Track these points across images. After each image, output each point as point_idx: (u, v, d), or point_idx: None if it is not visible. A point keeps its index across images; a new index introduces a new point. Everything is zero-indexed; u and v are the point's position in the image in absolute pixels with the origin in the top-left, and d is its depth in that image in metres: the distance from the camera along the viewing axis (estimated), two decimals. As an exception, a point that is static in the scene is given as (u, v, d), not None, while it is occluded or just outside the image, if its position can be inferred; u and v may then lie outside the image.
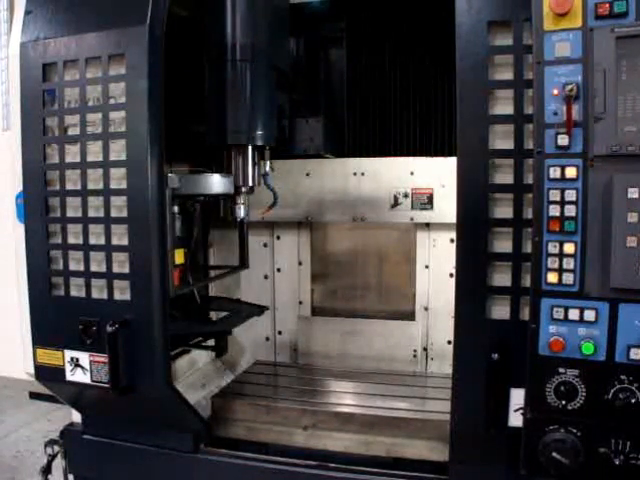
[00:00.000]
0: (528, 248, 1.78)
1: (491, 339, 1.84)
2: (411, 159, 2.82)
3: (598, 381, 1.68)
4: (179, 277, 2.51)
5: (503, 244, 1.85)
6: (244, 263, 2.95)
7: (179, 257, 2.52)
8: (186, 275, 2.59)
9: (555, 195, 1.68)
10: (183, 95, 2.54)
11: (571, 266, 1.68)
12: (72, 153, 2.19)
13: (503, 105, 1.81)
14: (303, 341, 3.10)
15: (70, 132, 2.19)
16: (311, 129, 2.85)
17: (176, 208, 2.40)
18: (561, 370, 1.71)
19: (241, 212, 2.65)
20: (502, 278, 1.86)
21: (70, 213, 2.21)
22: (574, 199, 1.66)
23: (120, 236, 2.13)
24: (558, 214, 1.68)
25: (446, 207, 2.70)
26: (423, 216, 2.81)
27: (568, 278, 1.68)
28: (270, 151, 2.69)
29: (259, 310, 2.94)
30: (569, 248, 1.67)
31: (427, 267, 2.91)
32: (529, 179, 1.77)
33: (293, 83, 2.83)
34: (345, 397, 2.63)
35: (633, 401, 1.63)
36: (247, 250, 2.94)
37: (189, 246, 2.66)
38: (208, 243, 3.12)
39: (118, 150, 2.10)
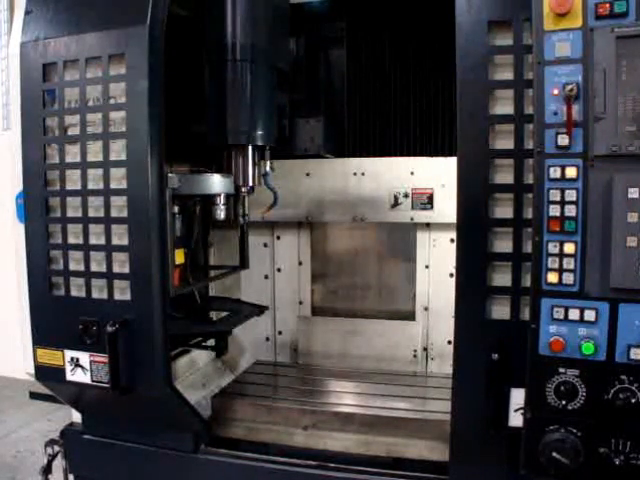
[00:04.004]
0: (528, 248, 1.78)
1: (491, 339, 1.84)
2: (411, 159, 2.82)
3: (598, 381, 1.68)
4: (179, 277, 2.51)
5: (503, 244, 1.85)
6: (244, 264, 2.95)
7: (179, 257, 2.51)
8: (186, 275, 2.58)
9: (555, 195, 1.68)
10: (183, 95, 2.54)
11: (571, 266, 1.68)
12: (72, 153, 2.19)
13: (503, 105, 1.81)
14: (303, 341, 3.10)
15: (70, 132, 2.19)
16: (311, 129, 2.86)
17: (176, 208, 2.40)
18: (561, 370, 1.71)
19: (222, 214, 2.55)
20: (502, 278, 1.86)
21: (70, 213, 2.21)
22: (574, 199, 1.66)
23: (120, 236, 2.13)
24: (558, 214, 1.68)
25: (446, 207, 2.70)
26: (423, 216, 2.81)
27: (568, 278, 1.68)
28: (270, 151, 2.68)
29: (259, 310, 2.94)
30: (569, 248, 1.67)
31: (427, 267, 2.91)
32: (529, 179, 1.77)
33: (293, 83, 2.83)
34: (345, 397, 2.63)
35: (633, 401, 1.63)
36: (247, 251, 2.94)
37: (189, 246, 2.66)
38: (208, 243, 3.12)
39: (118, 150, 2.10)
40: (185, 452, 2.35)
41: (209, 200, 2.56)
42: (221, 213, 2.53)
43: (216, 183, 2.46)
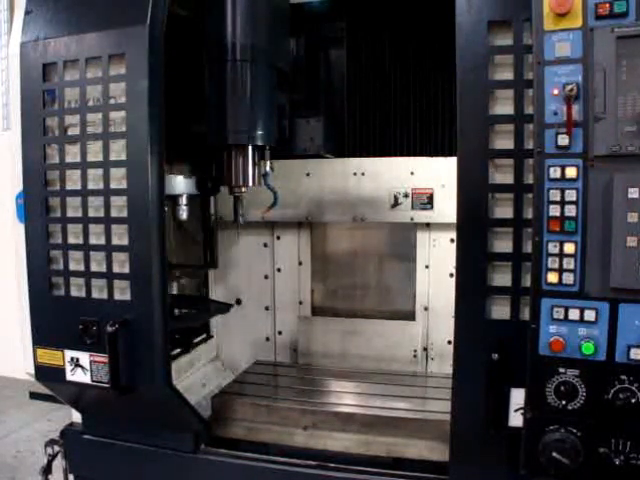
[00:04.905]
0: (528, 248, 1.78)
1: (491, 339, 1.84)
2: (411, 159, 2.82)
3: (598, 381, 1.68)
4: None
5: (503, 244, 1.85)
6: (208, 262, 3.02)
7: None
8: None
9: (555, 195, 1.68)
10: (183, 95, 2.54)
11: (571, 266, 1.68)
12: (72, 153, 2.19)
13: (503, 105, 1.82)
14: (303, 341, 3.10)
15: (70, 132, 2.19)
16: (311, 129, 2.85)
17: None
18: (561, 370, 1.71)
19: (184, 214, 2.59)
20: (502, 278, 1.86)
21: (70, 213, 2.21)
22: (574, 199, 1.66)
23: (120, 236, 2.14)
24: (558, 214, 1.68)
25: (446, 207, 2.70)
26: (423, 216, 2.80)
27: (568, 278, 1.68)
28: (270, 151, 2.68)
29: (225, 307, 3.01)
30: (569, 248, 1.67)
31: (427, 267, 2.91)
32: (529, 179, 1.77)
33: (293, 83, 2.83)
34: (345, 397, 2.62)
35: (633, 401, 1.63)
36: (215, 249, 3.02)
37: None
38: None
39: (118, 150, 2.10)
40: (185, 452, 2.35)
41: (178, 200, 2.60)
42: (183, 213, 2.59)
43: (178, 184, 2.52)
